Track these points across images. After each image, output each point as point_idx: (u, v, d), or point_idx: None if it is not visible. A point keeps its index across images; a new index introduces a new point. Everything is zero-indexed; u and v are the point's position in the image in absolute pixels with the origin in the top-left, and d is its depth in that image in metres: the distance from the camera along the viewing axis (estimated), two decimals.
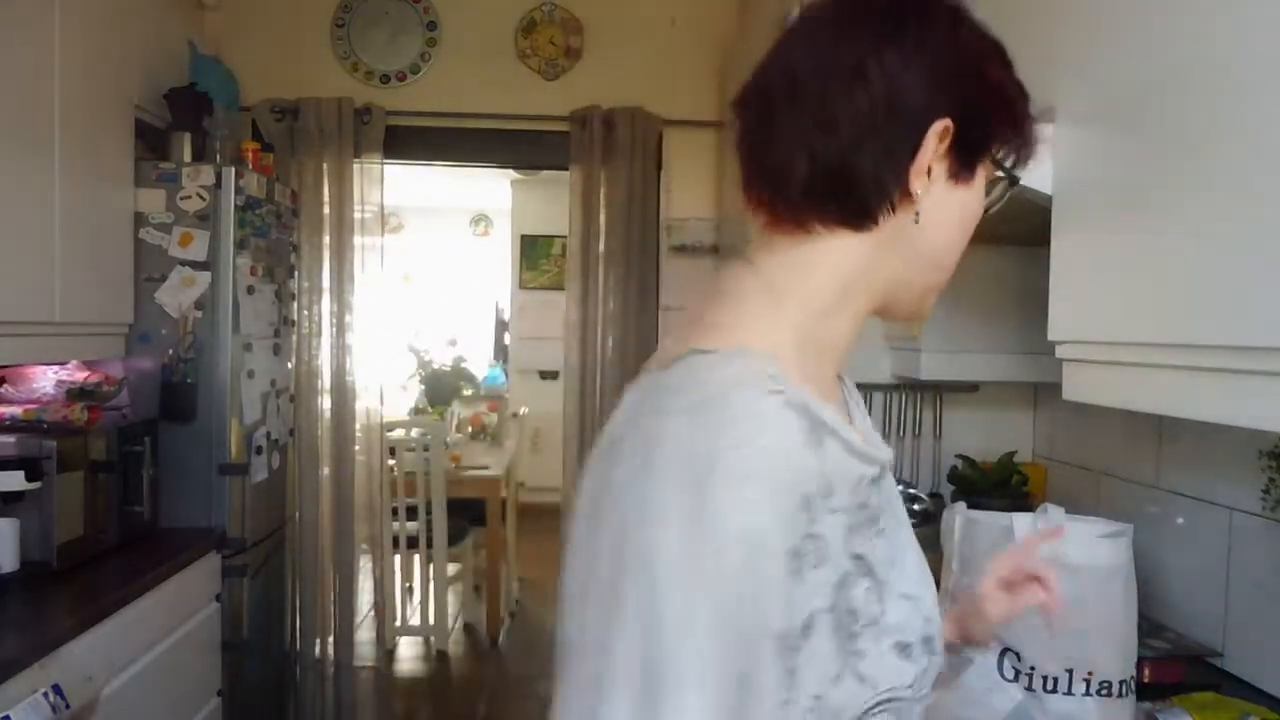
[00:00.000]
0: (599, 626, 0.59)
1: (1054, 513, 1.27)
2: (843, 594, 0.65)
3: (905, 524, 0.78)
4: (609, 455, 0.64)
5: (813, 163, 0.70)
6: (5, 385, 2.31)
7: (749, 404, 0.62)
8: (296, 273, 3.11)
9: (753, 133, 0.75)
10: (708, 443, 0.59)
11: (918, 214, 0.71)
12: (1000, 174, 0.75)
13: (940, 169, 0.71)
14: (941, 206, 0.72)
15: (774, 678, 0.60)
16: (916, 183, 0.69)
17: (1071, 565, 1.22)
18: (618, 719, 0.57)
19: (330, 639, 3.19)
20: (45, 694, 1.62)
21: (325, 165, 3.12)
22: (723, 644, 0.57)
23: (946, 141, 0.70)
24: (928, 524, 1.91)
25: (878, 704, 0.66)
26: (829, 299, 0.72)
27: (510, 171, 6.26)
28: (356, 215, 3.16)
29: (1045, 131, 1.30)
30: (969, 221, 0.75)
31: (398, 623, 4.24)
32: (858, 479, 0.68)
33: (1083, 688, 1.24)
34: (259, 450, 2.69)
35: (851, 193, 0.70)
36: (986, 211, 0.77)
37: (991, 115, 0.72)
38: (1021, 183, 0.78)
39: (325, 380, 3.18)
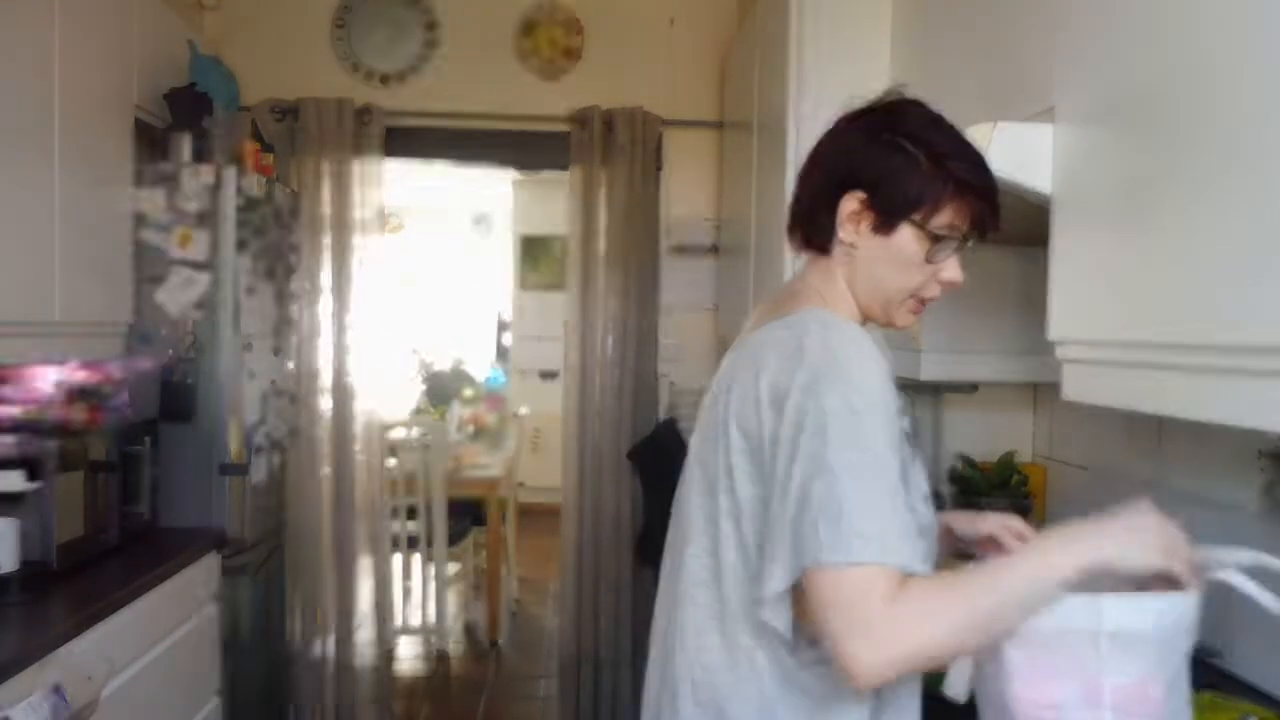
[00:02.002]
0: (820, 447, 0.93)
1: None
2: (905, 449, 1.02)
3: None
4: (768, 359, 1.01)
5: (795, 216, 1.16)
6: (5, 385, 2.31)
7: (850, 325, 1.03)
8: (296, 273, 3.11)
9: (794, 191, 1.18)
10: (840, 343, 0.98)
11: (853, 248, 1.09)
12: (939, 235, 1.06)
13: (866, 223, 1.08)
14: (871, 247, 1.09)
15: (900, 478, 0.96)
16: (842, 230, 1.09)
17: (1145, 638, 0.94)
18: (850, 491, 0.90)
19: (330, 639, 3.19)
20: (45, 694, 1.62)
21: (325, 165, 3.12)
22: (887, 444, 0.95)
23: (862, 206, 1.07)
24: None
25: (919, 529, 1.00)
26: (837, 298, 1.12)
27: (510, 171, 6.26)
28: (356, 215, 3.16)
29: (1042, 132, 1.31)
30: (900, 262, 1.08)
31: (398, 623, 4.24)
32: (895, 391, 1.02)
33: None
34: (259, 450, 2.69)
35: (810, 233, 1.13)
36: (929, 260, 1.07)
37: (901, 193, 1.05)
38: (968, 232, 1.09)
39: (325, 380, 3.17)
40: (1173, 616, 0.94)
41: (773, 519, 0.97)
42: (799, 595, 0.96)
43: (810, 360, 0.97)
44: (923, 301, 1.11)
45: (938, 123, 1.08)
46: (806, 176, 1.14)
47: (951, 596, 0.90)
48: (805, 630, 1.00)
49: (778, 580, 0.95)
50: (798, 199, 1.15)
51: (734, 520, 1.03)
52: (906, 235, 1.06)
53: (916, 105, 1.10)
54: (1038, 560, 0.93)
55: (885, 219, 1.06)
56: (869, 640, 0.87)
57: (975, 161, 1.07)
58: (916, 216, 1.05)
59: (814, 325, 1.01)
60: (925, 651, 0.89)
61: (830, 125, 1.14)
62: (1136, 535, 0.93)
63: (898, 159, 1.05)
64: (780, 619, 0.98)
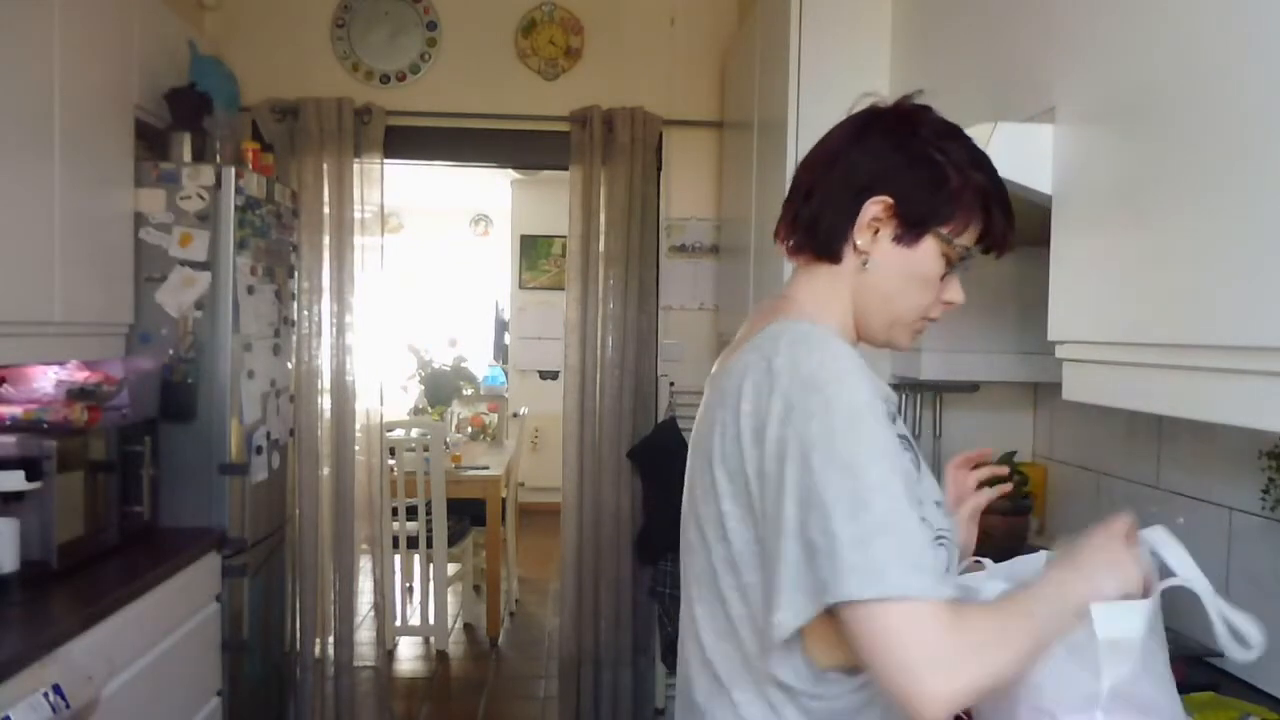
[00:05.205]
0: (808, 477, 0.87)
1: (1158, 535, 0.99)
2: (902, 455, 0.94)
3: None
4: (745, 389, 0.94)
5: (798, 216, 1.07)
6: (5, 385, 2.31)
7: (823, 334, 0.96)
8: (296, 273, 3.11)
9: (789, 195, 1.10)
10: (813, 357, 0.92)
11: (865, 261, 1.03)
12: (961, 249, 1.02)
13: (887, 231, 1.02)
14: (887, 260, 1.03)
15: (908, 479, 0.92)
16: (859, 237, 1.02)
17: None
18: (843, 516, 0.85)
19: (330, 639, 3.19)
20: (45, 694, 1.62)
21: (325, 165, 3.12)
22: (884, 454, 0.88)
23: (887, 213, 1.01)
24: None
25: (937, 538, 0.96)
26: (825, 308, 1.05)
27: (510, 171, 6.26)
28: (356, 215, 3.16)
29: (1042, 132, 1.31)
30: (918, 278, 1.03)
31: (398, 623, 4.25)
32: (886, 394, 1.01)
33: None
34: (259, 450, 2.69)
35: (817, 236, 1.05)
36: (943, 277, 1.04)
37: (930, 203, 1.00)
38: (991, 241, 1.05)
39: (325, 380, 3.18)
40: (1151, 616, 0.96)
41: (769, 561, 0.91)
42: (814, 632, 0.93)
43: (783, 383, 0.91)
44: (928, 322, 1.08)
45: (957, 134, 1.04)
46: (820, 177, 1.06)
47: (1003, 623, 0.88)
48: (823, 662, 0.96)
49: (780, 628, 0.89)
50: (804, 199, 1.06)
51: (733, 570, 0.98)
52: (929, 249, 1.02)
53: (933, 113, 1.05)
54: (1056, 592, 0.93)
55: (910, 229, 1.01)
56: (939, 672, 0.82)
57: (997, 178, 1.03)
58: (944, 230, 1.01)
59: (782, 343, 0.94)
60: (993, 679, 0.85)
61: (844, 126, 1.07)
62: (1119, 570, 0.94)
63: (927, 168, 1.00)
64: (787, 669, 0.95)
